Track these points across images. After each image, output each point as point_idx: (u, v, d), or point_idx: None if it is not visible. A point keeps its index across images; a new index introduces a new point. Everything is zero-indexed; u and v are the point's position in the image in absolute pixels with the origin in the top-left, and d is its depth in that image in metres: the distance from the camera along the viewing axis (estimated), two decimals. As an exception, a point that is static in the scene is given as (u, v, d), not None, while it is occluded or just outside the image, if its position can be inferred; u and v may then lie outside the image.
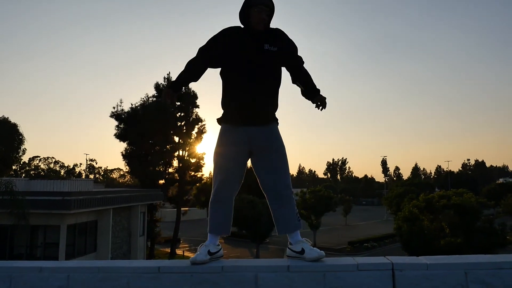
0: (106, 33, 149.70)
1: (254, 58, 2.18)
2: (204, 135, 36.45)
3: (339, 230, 48.88)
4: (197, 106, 36.19)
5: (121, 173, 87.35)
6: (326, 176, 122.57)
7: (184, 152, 35.61)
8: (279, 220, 2.19)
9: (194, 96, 35.89)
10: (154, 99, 34.28)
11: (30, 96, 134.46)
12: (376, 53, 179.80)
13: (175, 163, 35.57)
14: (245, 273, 1.91)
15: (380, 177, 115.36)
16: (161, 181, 34.53)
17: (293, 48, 2.34)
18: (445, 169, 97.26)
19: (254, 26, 2.23)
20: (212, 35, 2.29)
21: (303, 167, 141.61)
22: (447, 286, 1.81)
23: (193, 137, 35.81)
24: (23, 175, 62.82)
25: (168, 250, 33.97)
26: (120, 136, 32.11)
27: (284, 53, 2.27)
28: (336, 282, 1.86)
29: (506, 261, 1.84)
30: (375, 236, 39.95)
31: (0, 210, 13.86)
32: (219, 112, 2.32)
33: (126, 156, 32.73)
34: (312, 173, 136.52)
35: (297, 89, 2.49)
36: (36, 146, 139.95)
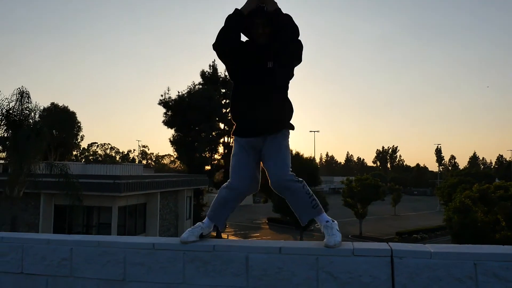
0: (156, 23, 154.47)
1: (256, 76, 2.14)
2: (249, 121, 36.69)
3: (387, 220, 47.41)
4: (242, 93, 36.38)
5: (171, 159, 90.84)
6: (375, 165, 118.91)
7: (229, 138, 36.17)
8: (296, 212, 2.15)
9: (239, 82, 36.09)
10: (200, 86, 34.96)
11: (87, 86, 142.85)
12: (431, 35, 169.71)
13: (221, 149, 36.30)
14: (236, 253, 1.87)
15: (433, 167, 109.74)
16: (207, 167, 35.38)
17: (295, 47, 2.22)
18: (507, 159, 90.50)
19: (256, 40, 2.20)
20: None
21: (351, 154, 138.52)
22: (453, 278, 1.64)
23: (239, 123, 36.14)
24: (83, 160, 67.29)
25: (214, 234, 34.94)
26: (167, 123, 33.22)
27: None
28: (329, 266, 1.76)
29: (524, 253, 1.63)
30: (426, 227, 38.26)
31: (57, 191, 15.01)
32: None
33: (173, 142, 33.85)
34: (360, 161, 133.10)
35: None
36: (93, 133, 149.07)
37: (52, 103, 41.30)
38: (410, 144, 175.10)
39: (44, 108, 38.19)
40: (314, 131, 49.59)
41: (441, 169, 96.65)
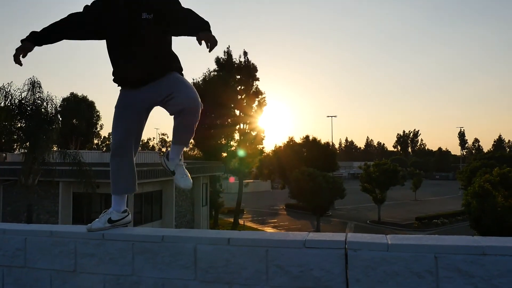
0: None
1: (128, 29, 1.97)
2: (264, 108, 36.56)
3: (407, 205, 46.68)
4: (257, 79, 36.14)
5: (190, 146, 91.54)
6: (396, 149, 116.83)
7: (245, 125, 36.10)
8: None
9: (254, 69, 35.80)
10: (215, 73, 34.83)
11: (106, 75, 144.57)
12: (454, 16, 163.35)
13: (237, 136, 36.27)
14: (184, 244, 1.76)
15: (456, 150, 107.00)
16: (224, 154, 35.49)
17: (174, 5, 2.00)
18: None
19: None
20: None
21: (371, 139, 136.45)
22: (411, 272, 1.49)
23: (253, 110, 36.05)
24: (104, 148, 68.70)
25: (232, 220, 35.24)
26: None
27: (163, 18, 1.98)
28: (280, 259, 1.63)
29: (491, 246, 1.45)
30: (447, 212, 37.44)
31: (73, 179, 15.33)
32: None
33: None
34: (381, 146, 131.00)
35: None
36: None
37: (71, 93, 42.12)
38: (432, 128, 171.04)
39: (63, 98, 39.10)
40: (331, 116, 48.79)
41: (464, 153, 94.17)
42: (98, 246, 1.90)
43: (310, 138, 43.01)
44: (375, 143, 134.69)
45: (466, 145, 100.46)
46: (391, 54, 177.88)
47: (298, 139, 44.96)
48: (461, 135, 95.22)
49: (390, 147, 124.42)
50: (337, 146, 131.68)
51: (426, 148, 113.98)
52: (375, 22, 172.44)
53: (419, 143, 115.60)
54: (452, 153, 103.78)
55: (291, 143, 44.75)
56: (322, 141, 43.17)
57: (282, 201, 49.23)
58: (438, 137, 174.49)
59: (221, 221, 35.16)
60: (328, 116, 51.29)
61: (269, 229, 32.74)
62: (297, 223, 36.22)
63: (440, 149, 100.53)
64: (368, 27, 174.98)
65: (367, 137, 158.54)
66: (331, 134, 71.55)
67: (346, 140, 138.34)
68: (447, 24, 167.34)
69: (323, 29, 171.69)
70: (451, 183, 73.32)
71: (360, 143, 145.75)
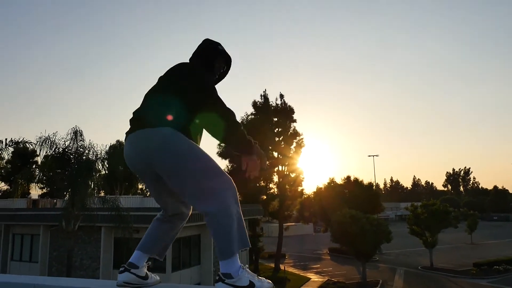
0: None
1: None
2: (302, 149, 36.30)
3: (463, 249, 43.15)
4: (294, 121, 36.29)
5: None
6: (446, 188, 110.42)
7: (283, 167, 35.84)
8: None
9: (291, 111, 36.09)
10: (252, 116, 35.43)
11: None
12: (507, 48, 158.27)
13: (275, 178, 35.98)
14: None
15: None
16: (263, 197, 35.13)
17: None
18: None
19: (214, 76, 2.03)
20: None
21: (418, 179, 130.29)
22: None
23: (291, 152, 35.88)
24: (148, 193, 70.69)
25: (273, 265, 34.13)
26: (222, 154, 33.85)
27: None
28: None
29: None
30: (509, 257, 34.03)
31: (113, 224, 15.63)
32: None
33: (228, 173, 34.15)
34: (429, 185, 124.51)
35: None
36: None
37: (117, 140, 44.32)
38: (485, 165, 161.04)
39: (110, 146, 41.19)
40: (373, 156, 47.35)
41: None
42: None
43: (352, 178, 41.78)
44: (423, 183, 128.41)
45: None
46: (437, 87, 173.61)
47: (339, 180, 43.85)
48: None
49: (439, 186, 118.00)
50: (381, 186, 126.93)
51: (480, 186, 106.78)
52: (420, 54, 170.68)
53: (471, 182, 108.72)
54: (510, 191, 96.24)
55: (332, 184, 43.67)
56: (365, 182, 41.72)
57: (325, 245, 47.30)
58: (493, 174, 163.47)
59: (261, 266, 34.14)
60: (369, 156, 49.80)
61: (312, 275, 31.24)
62: (341, 268, 34.37)
63: (496, 187, 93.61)
64: (412, 60, 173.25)
65: (414, 176, 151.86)
66: (374, 174, 69.21)
67: (391, 180, 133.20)
68: (500, 55, 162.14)
69: (362, 65, 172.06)
70: (512, 225, 67.38)
71: (407, 183, 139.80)
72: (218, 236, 1.54)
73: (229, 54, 2.05)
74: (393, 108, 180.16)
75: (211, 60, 1.95)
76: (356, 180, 41.45)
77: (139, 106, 1.79)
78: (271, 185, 36.26)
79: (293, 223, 61.08)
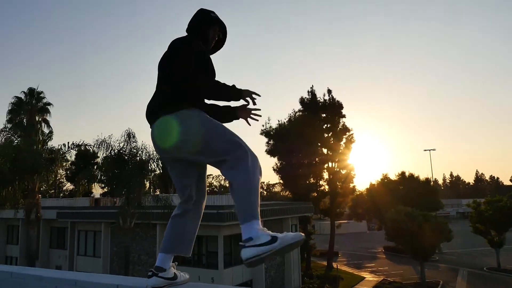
0: (255, 57, 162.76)
1: None
2: (353, 145, 35.33)
3: (536, 250, 39.58)
4: (343, 116, 35.39)
5: (282, 187, 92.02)
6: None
7: (333, 163, 35.11)
8: None
9: (339, 106, 35.24)
10: (300, 113, 35.05)
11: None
12: None
13: (326, 175, 35.36)
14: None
15: None
16: (314, 194, 34.68)
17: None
18: None
19: (208, 45, 2.02)
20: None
21: (481, 173, 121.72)
22: None
23: (341, 148, 35.04)
24: (209, 190, 72.82)
25: (325, 263, 33.63)
26: (270, 151, 33.86)
27: None
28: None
29: None
30: None
31: (165, 222, 16.26)
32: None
33: (277, 170, 34.24)
34: (494, 180, 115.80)
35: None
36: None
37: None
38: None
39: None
40: (429, 150, 44.92)
41: None
42: None
43: (407, 174, 39.97)
44: (487, 177, 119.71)
45: None
46: (500, 76, 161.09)
47: (393, 176, 42.16)
48: None
49: (506, 181, 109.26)
50: (440, 182, 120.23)
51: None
52: (482, 43, 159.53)
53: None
54: None
55: (385, 180, 42.10)
56: (421, 177, 39.72)
57: (380, 243, 45.73)
58: None
59: (313, 264, 33.76)
60: (425, 150, 47.31)
61: (366, 275, 30.36)
62: (398, 268, 33.05)
63: None
64: (469, 53, 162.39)
65: (477, 170, 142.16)
66: (431, 169, 65.65)
67: (451, 175, 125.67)
68: None
69: (416, 56, 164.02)
70: None
71: (469, 178, 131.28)
72: (242, 200, 1.59)
73: (223, 21, 2.04)
74: (450, 99, 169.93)
75: (205, 29, 1.96)
76: (411, 175, 39.61)
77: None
78: (321, 182, 35.68)
79: (345, 221, 59.73)
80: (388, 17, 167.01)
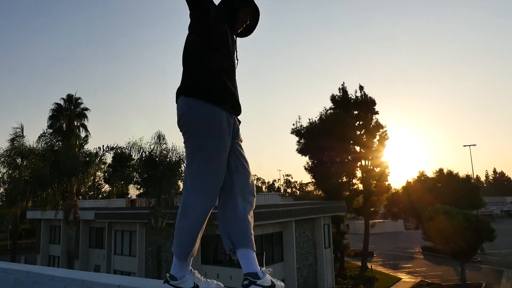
0: (286, 58, 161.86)
1: (235, 61, 1.87)
2: (387, 142, 34.38)
3: None
4: (376, 113, 34.51)
5: (315, 186, 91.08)
6: None
7: (367, 161, 34.33)
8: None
9: (372, 103, 34.41)
10: (331, 111, 34.53)
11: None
12: None
13: (359, 173, 34.63)
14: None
15: None
16: (346, 193, 34.06)
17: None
18: None
19: (236, 27, 1.88)
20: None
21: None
22: None
23: (375, 145, 34.20)
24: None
25: (359, 263, 32.94)
26: (301, 150, 33.58)
27: None
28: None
29: None
30: None
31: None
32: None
33: (309, 169, 33.90)
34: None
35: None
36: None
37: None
38: None
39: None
40: (469, 145, 42.88)
41: None
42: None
43: (445, 171, 38.39)
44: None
45: None
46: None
47: (430, 173, 40.63)
48: None
49: None
50: (482, 179, 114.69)
51: None
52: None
53: None
54: None
55: (422, 178, 40.66)
56: (460, 174, 38.02)
57: (417, 243, 44.24)
58: None
59: (347, 264, 33.15)
60: (465, 146, 45.27)
61: (403, 275, 29.43)
62: (437, 269, 31.81)
63: None
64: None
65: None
66: (471, 166, 62.76)
67: (494, 171, 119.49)
68: None
69: (454, 47, 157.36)
70: None
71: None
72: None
73: (257, 6, 1.90)
74: (491, 92, 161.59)
75: (236, 8, 1.84)
76: (450, 172, 38.00)
77: None
78: (354, 181, 34.99)
79: (380, 220, 58.24)
80: (429, 8, 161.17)
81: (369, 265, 30.84)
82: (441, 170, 38.88)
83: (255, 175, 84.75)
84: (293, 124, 34.23)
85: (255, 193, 1.78)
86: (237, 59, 1.86)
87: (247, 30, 1.96)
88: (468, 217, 24.63)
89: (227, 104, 1.67)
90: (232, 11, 1.83)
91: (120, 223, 24.55)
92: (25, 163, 16.50)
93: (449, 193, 33.98)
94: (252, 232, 1.65)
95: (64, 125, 28.90)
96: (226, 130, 1.64)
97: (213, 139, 1.60)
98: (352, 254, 36.94)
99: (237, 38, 1.92)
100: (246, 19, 1.89)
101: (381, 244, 46.58)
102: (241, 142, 1.84)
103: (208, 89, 1.64)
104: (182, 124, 1.65)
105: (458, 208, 26.07)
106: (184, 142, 1.70)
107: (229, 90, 1.69)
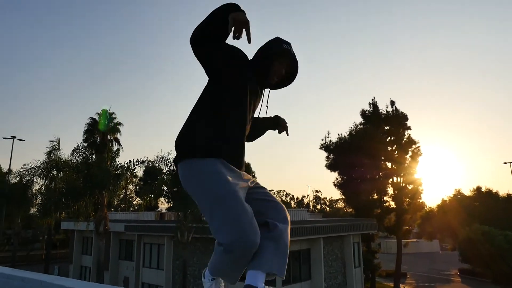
0: (313, 74, 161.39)
1: (254, 103, 1.82)
2: (420, 158, 33.24)
3: None
4: (409, 128, 33.58)
5: (345, 203, 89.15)
6: None
7: (399, 178, 33.26)
8: None
9: (404, 117, 33.52)
10: (361, 126, 33.91)
11: (260, 143, 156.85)
12: None
13: (390, 190, 33.57)
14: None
15: None
16: (377, 210, 33.05)
17: None
18: None
19: (269, 78, 1.81)
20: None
21: None
22: None
23: (407, 162, 33.14)
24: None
25: (392, 284, 31.62)
26: (330, 166, 33.04)
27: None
28: None
29: None
30: None
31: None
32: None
33: (338, 185, 33.25)
34: None
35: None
36: (270, 180, 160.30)
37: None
38: None
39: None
40: (510, 162, 40.70)
41: None
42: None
43: (483, 189, 36.59)
44: None
45: None
46: None
47: (467, 191, 38.85)
48: None
49: None
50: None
51: None
52: None
53: None
54: None
55: (458, 196, 38.95)
56: (500, 193, 36.09)
57: (454, 265, 42.01)
58: None
59: (379, 285, 31.93)
60: (504, 163, 43.07)
61: (439, 299, 27.92)
62: (475, 293, 30.02)
63: None
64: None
65: None
66: (513, 184, 59.23)
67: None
68: None
69: (491, 60, 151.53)
70: None
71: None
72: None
73: (295, 57, 1.79)
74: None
75: (271, 58, 1.75)
76: (489, 191, 36.17)
77: None
78: (385, 198, 33.89)
79: (414, 239, 55.96)
80: (463, 17, 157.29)
81: (401, 286, 29.56)
82: (479, 188, 37.14)
83: (284, 190, 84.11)
84: (322, 140, 33.87)
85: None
86: (267, 106, 1.88)
87: (285, 81, 1.92)
88: (509, 238, 23.24)
89: (220, 154, 1.61)
90: (268, 60, 1.76)
91: (149, 236, 24.84)
92: (60, 175, 17.16)
93: (488, 213, 32.30)
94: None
95: (98, 139, 29.93)
96: (225, 174, 1.58)
97: (216, 189, 1.53)
98: (384, 275, 35.59)
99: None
100: (281, 71, 1.81)
101: (415, 265, 44.61)
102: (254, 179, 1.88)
103: (197, 144, 1.61)
104: (187, 190, 1.65)
105: (498, 229, 24.66)
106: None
107: (224, 140, 1.63)
